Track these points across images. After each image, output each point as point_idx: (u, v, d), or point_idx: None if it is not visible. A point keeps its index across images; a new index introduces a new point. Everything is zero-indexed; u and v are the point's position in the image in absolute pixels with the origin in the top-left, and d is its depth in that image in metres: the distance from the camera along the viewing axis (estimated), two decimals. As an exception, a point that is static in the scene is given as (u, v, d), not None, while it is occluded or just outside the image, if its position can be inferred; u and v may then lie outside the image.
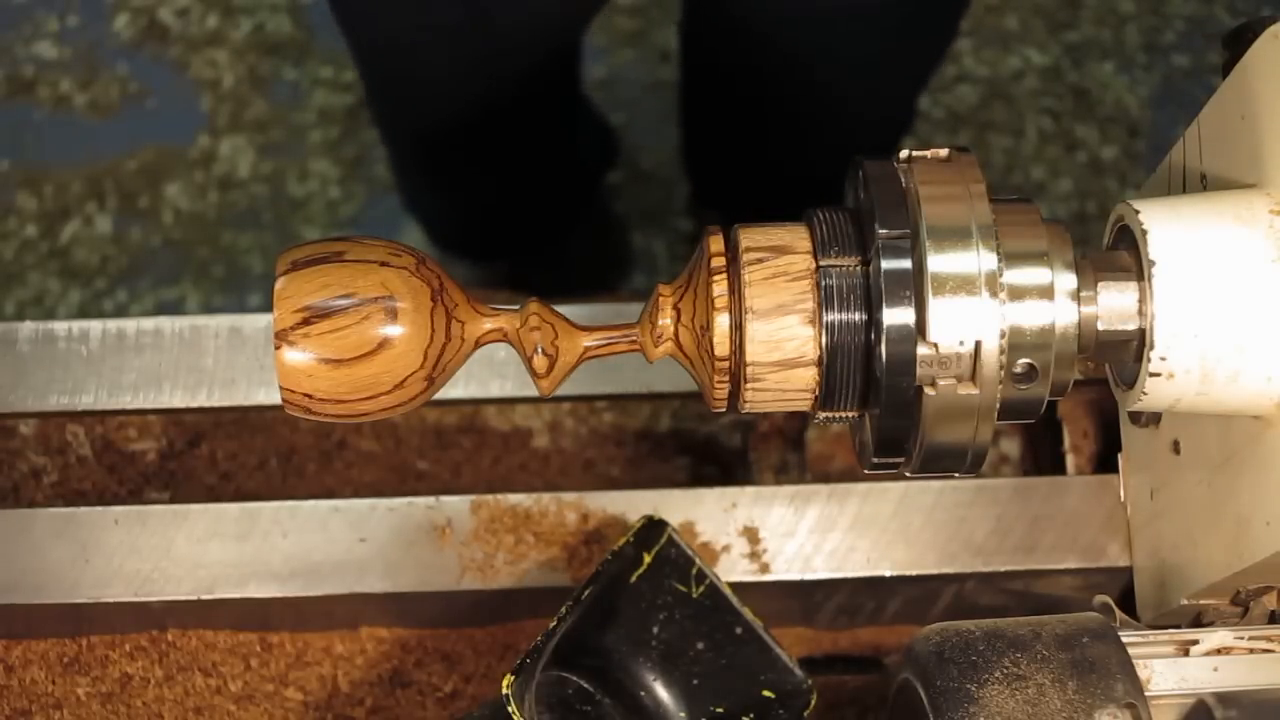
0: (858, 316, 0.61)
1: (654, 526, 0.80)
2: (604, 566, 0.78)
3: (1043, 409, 0.63)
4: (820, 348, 0.61)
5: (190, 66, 1.92)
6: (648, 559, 0.79)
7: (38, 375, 0.90)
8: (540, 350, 0.63)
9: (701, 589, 0.80)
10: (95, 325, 0.91)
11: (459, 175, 1.46)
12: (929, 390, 0.60)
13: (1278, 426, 0.63)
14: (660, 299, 0.64)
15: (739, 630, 0.79)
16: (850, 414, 0.63)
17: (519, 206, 1.55)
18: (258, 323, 0.91)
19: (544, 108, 1.44)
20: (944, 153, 0.62)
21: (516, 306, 0.65)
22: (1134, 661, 0.64)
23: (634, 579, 0.79)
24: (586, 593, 0.77)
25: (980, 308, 0.59)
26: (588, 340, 0.64)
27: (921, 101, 1.78)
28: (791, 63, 1.30)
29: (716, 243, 0.62)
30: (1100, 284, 0.63)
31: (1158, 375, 0.63)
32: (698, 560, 0.80)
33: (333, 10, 1.28)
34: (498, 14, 1.19)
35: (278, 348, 0.61)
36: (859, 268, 0.61)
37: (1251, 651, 0.68)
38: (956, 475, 0.64)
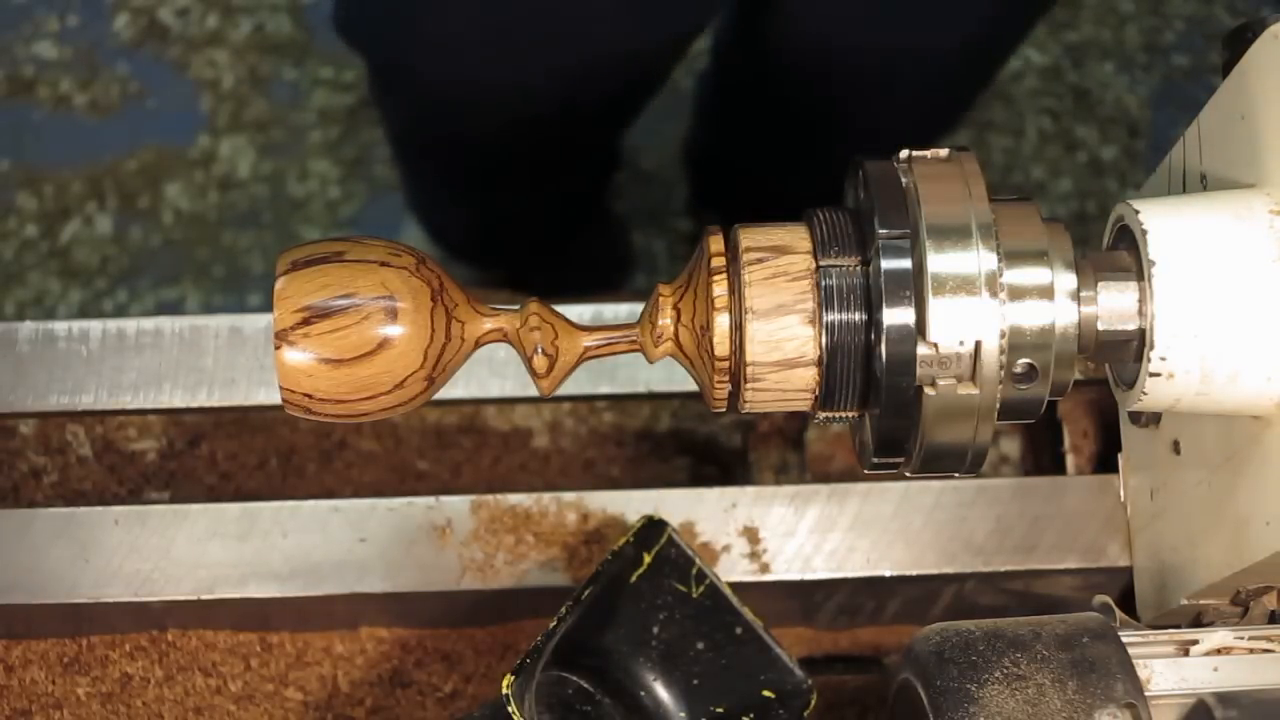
0: (858, 316, 0.61)
1: (654, 526, 0.80)
2: (604, 566, 0.78)
3: (1043, 409, 0.63)
4: (820, 348, 0.61)
5: (190, 66, 1.92)
6: (648, 559, 0.79)
7: (38, 375, 0.90)
8: (540, 350, 0.63)
9: (701, 589, 0.80)
10: (95, 325, 0.91)
11: (481, 193, 1.47)
12: (929, 390, 0.60)
13: (1278, 426, 0.63)
14: (660, 299, 0.64)
15: (739, 630, 0.79)
16: (850, 414, 0.63)
17: (527, 216, 1.55)
18: (258, 323, 0.91)
19: (597, 134, 1.45)
20: (944, 153, 0.62)
21: (516, 306, 0.65)
22: (1134, 661, 0.64)
23: (634, 579, 0.79)
24: (586, 593, 0.77)
25: (980, 308, 0.59)
26: (588, 340, 0.64)
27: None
28: (833, 95, 1.30)
29: (716, 243, 0.62)
30: (1100, 284, 0.63)
31: (1158, 375, 0.63)
32: (698, 560, 0.80)
33: (393, 51, 1.26)
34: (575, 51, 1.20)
35: (278, 348, 0.61)
36: (859, 268, 0.61)
37: (1251, 651, 0.67)
38: (956, 475, 0.64)
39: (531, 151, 1.36)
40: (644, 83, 1.37)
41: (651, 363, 0.65)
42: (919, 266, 0.60)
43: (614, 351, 0.65)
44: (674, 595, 0.80)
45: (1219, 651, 0.67)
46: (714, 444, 1.00)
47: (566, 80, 1.23)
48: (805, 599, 0.90)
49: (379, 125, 1.70)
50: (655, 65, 1.34)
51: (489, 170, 1.41)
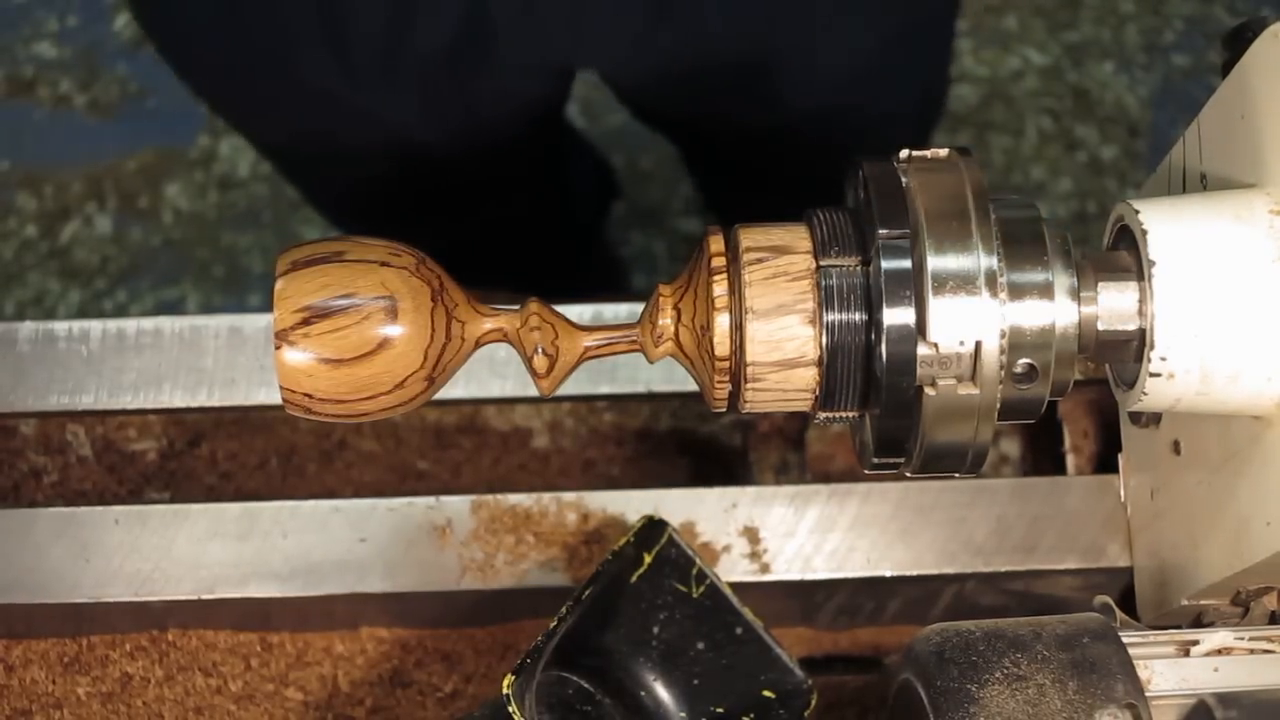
0: (858, 316, 0.61)
1: (654, 526, 0.80)
2: (604, 566, 0.78)
3: (1043, 409, 0.63)
4: (820, 348, 0.61)
5: (190, 66, 1.92)
6: (648, 559, 0.79)
7: (38, 375, 0.90)
8: (540, 350, 0.63)
9: (702, 589, 0.80)
10: (95, 325, 0.91)
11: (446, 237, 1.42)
12: (929, 390, 0.60)
13: (1278, 427, 0.63)
14: (660, 299, 0.64)
15: (739, 630, 0.79)
16: (850, 414, 0.63)
17: (511, 261, 1.49)
18: (258, 323, 0.91)
19: (532, 173, 1.39)
20: (944, 153, 0.62)
21: (517, 307, 0.65)
22: (1134, 662, 0.64)
23: (634, 579, 0.79)
24: (587, 593, 0.77)
25: (980, 307, 0.59)
26: (588, 340, 0.64)
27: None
28: (786, 145, 1.27)
29: (717, 242, 0.62)
30: (1100, 284, 0.63)
31: (1158, 375, 0.63)
32: (698, 560, 0.80)
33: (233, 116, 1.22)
34: (485, 110, 1.15)
35: (278, 348, 0.61)
36: (859, 268, 0.61)
37: (1252, 652, 0.67)
38: (957, 476, 0.64)
39: (438, 185, 1.28)
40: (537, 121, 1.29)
41: (652, 363, 0.65)
42: (919, 266, 0.60)
43: (614, 351, 0.65)
44: (674, 595, 0.80)
45: (1219, 652, 0.67)
46: (714, 444, 1.00)
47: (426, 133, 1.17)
48: (805, 599, 0.90)
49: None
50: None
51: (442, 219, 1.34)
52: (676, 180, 1.84)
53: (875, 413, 0.62)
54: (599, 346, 0.64)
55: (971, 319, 0.59)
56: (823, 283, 0.61)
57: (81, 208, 1.84)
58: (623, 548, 0.79)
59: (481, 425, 0.99)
